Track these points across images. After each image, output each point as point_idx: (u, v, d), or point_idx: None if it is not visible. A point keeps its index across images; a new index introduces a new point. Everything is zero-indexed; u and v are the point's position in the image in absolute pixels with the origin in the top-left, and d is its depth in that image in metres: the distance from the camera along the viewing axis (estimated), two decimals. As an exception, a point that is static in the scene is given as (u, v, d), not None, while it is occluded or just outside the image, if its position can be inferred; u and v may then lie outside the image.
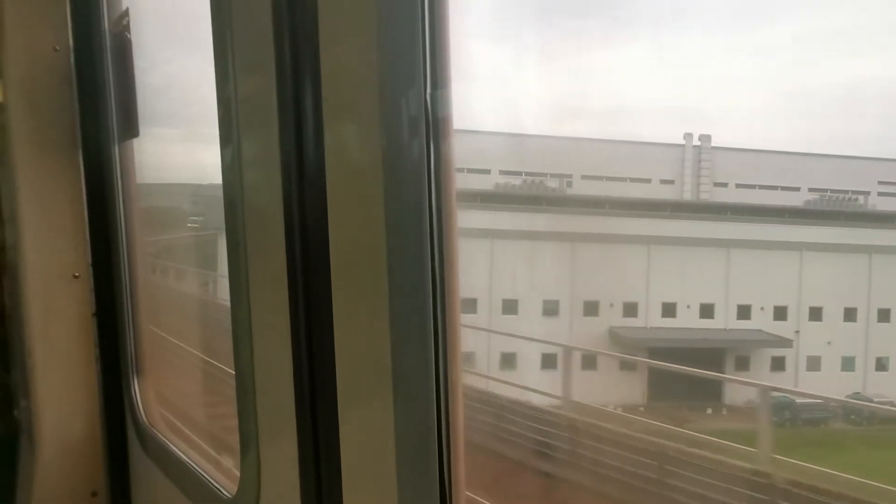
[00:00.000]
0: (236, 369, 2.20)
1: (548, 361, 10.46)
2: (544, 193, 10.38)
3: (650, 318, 9.64)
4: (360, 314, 1.62)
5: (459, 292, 1.57)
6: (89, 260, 3.86)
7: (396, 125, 1.44)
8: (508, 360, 10.53)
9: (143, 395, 3.80)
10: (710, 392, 9.35)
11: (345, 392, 1.69)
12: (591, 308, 10.39)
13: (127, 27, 3.82)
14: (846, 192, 9.18)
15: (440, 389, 1.50)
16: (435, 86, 1.42)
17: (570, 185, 10.30)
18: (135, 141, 3.91)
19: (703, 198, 9.84)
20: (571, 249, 10.18)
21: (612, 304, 10.12)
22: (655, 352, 10.02)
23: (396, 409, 1.52)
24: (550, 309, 10.32)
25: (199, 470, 2.92)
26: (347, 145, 1.62)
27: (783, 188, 9.63)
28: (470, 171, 8.85)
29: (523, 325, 10.41)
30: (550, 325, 10.29)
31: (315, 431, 1.81)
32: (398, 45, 1.42)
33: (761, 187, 9.75)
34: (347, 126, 1.61)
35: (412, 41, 1.40)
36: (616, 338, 10.04)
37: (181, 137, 4.93)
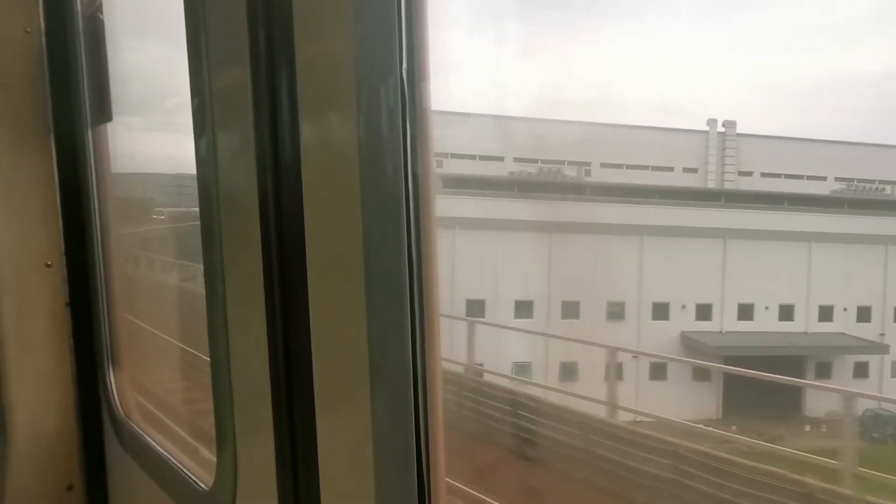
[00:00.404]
0: (212, 362, 2.16)
1: (616, 371, 9.77)
2: (589, 182, 10.03)
3: (725, 321, 8.97)
4: (337, 305, 1.63)
5: (438, 282, 1.52)
6: (62, 248, 3.80)
7: (374, 116, 1.44)
8: (570, 371, 9.87)
9: (119, 387, 3.75)
10: (796, 404, 8.42)
11: (321, 384, 1.70)
12: (660, 311, 9.67)
13: (100, 8, 3.78)
14: (872, 181, 8.84)
15: (418, 380, 1.49)
16: (413, 76, 1.41)
17: (587, 173, 9.95)
18: (109, 127, 3.87)
19: (727, 187, 9.43)
20: (639, 244, 9.48)
21: (683, 307, 9.44)
22: (733, 360, 9.20)
23: (374, 400, 1.52)
24: (615, 312, 9.72)
25: (176, 462, 2.82)
26: (323, 136, 1.64)
27: (809, 177, 9.18)
28: (481, 157, 8.72)
29: (588, 332, 9.79)
30: (615, 330, 9.64)
31: (291, 423, 1.82)
32: (374, 34, 1.42)
33: (787, 176, 9.33)
34: (323, 116, 1.63)
35: (389, 30, 1.39)
36: (689, 343, 9.32)
37: (157, 126, 4.88)
